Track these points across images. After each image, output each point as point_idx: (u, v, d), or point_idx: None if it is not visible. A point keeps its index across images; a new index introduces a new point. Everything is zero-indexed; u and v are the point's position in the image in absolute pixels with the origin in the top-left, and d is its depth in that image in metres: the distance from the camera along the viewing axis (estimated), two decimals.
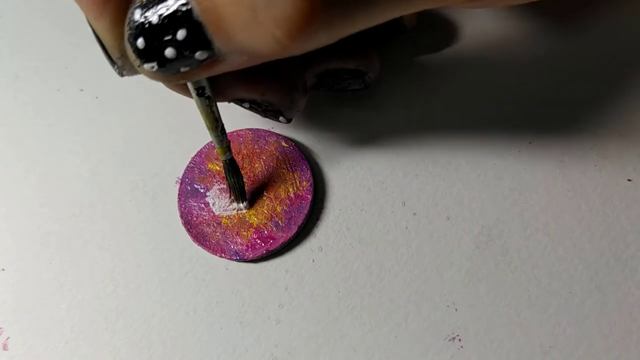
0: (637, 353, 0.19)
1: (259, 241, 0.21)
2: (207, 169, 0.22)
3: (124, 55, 0.15)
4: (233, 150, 0.22)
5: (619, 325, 0.19)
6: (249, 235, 0.21)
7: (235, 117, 0.24)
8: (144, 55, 0.14)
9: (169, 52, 0.14)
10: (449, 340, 0.19)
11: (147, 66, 0.14)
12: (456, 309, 0.20)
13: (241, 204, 0.21)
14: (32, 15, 0.28)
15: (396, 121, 0.23)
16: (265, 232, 0.21)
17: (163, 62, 0.14)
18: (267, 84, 0.19)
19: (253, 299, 0.21)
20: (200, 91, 0.17)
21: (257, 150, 0.23)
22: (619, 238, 0.20)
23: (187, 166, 0.23)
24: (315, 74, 0.21)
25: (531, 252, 0.20)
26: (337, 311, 0.20)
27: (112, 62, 0.16)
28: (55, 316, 0.21)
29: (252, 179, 0.22)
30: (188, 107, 0.25)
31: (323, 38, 0.13)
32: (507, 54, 0.24)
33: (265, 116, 0.20)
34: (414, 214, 0.21)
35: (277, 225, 0.21)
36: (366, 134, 0.23)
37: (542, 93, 0.23)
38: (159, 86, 0.25)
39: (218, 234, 0.21)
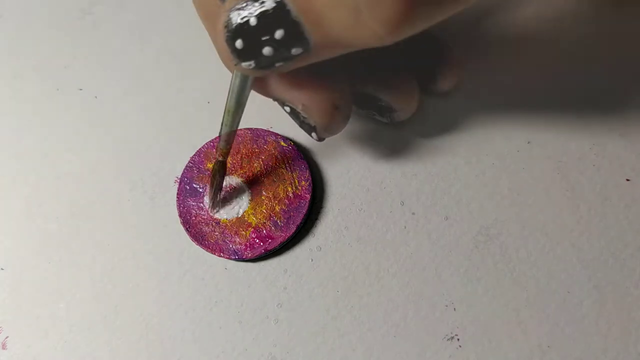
0: (636, 353, 0.19)
1: (257, 240, 0.21)
2: (206, 168, 0.22)
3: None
4: (232, 150, 0.22)
5: (617, 325, 0.19)
6: (248, 235, 0.21)
7: None
8: (242, 55, 0.15)
9: (267, 50, 0.14)
10: (448, 339, 0.20)
11: (244, 64, 0.15)
12: (455, 309, 0.20)
13: (215, 209, 0.22)
14: (31, 15, 0.28)
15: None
16: (264, 231, 0.21)
17: (260, 60, 0.15)
18: (311, 97, 0.18)
19: (252, 299, 0.21)
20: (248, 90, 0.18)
21: (256, 150, 0.23)
22: (618, 238, 0.20)
23: (186, 165, 0.23)
24: (352, 92, 0.20)
25: (530, 252, 0.20)
26: (336, 311, 0.20)
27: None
28: (53, 315, 0.21)
29: (250, 178, 0.22)
30: (187, 107, 0.25)
31: (418, 28, 0.13)
32: (505, 55, 0.24)
33: (301, 127, 0.20)
34: (413, 213, 0.21)
35: (275, 224, 0.21)
36: (365, 133, 0.23)
37: (541, 93, 0.23)
38: (158, 86, 0.25)
39: (217, 233, 0.21)
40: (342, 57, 0.15)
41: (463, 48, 0.24)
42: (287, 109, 0.19)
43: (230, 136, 0.19)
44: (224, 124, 0.19)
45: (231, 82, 0.17)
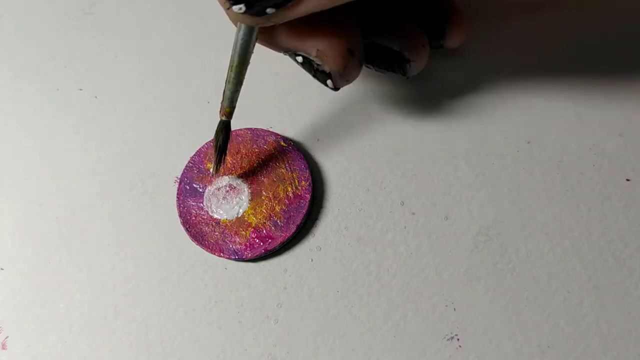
0: (636, 353, 0.19)
1: (257, 240, 0.21)
2: (206, 168, 0.22)
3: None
4: (232, 150, 0.22)
5: (617, 325, 0.19)
6: (248, 235, 0.21)
7: (234, 117, 0.24)
8: None
9: None
10: (448, 339, 0.20)
11: (235, 8, 0.15)
12: (455, 309, 0.20)
13: (219, 173, 0.21)
14: (31, 15, 0.28)
15: (395, 121, 0.23)
16: (264, 231, 0.21)
17: (251, 2, 0.15)
18: (325, 42, 0.18)
19: (252, 299, 0.21)
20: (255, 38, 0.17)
21: (256, 150, 0.23)
22: (618, 238, 0.20)
23: (186, 166, 0.23)
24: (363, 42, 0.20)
25: (530, 252, 0.20)
26: (336, 311, 0.20)
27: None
28: (54, 315, 0.21)
29: (250, 178, 0.22)
30: (187, 107, 0.25)
31: None
32: (506, 55, 0.24)
33: (315, 77, 0.19)
34: (413, 213, 0.21)
35: (275, 224, 0.21)
36: (365, 133, 0.23)
37: (541, 93, 0.23)
38: (158, 86, 0.25)
39: (217, 233, 0.21)
40: (350, 5, 0.15)
41: (470, 11, 0.23)
42: (300, 58, 0.19)
43: (234, 94, 0.19)
44: (227, 81, 0.18)
45: (235, 35, 0.17)
